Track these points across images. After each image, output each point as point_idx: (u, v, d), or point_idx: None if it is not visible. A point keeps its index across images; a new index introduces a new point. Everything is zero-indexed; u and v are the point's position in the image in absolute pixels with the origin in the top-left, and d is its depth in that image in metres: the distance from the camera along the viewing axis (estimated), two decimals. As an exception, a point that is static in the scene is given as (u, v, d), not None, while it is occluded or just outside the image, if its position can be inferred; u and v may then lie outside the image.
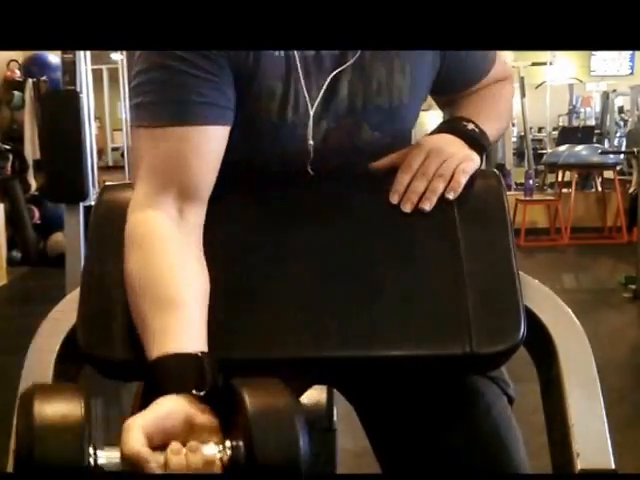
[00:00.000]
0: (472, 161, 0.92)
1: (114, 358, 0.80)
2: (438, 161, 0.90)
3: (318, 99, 0.91)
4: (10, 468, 0.80)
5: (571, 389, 0.82)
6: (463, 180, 0.89)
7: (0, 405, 1.02)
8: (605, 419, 0.80)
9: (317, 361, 0.81)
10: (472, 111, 1.02)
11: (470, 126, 0.96)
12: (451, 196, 0.88)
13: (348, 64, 0.90)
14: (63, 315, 0.87)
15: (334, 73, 0.90)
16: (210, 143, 0.85)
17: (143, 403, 0.91)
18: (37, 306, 1.70)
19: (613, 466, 0.79)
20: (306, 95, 0.90)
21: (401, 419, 0.92)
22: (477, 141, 0.95)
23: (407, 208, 0.88)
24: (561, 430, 0.82)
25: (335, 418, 1.11)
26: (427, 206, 0.87)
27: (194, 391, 0.69)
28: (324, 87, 0.91)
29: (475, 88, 1.06)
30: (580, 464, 0.79)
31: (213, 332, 0.80)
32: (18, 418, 0.62)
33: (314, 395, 1.11)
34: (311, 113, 0.91)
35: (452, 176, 0.89)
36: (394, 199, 0.89)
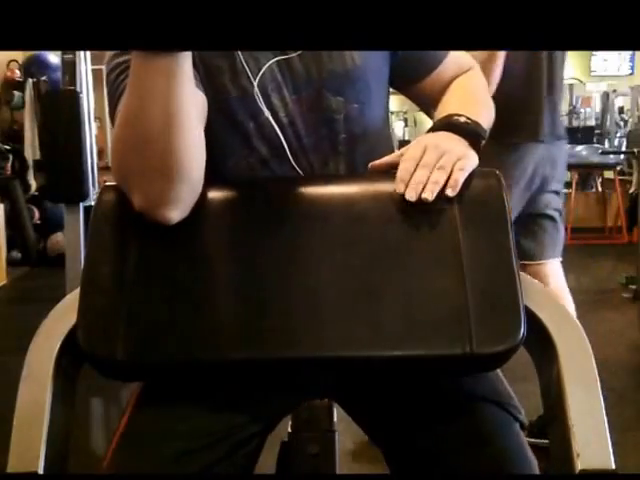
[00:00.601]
0: (469, 159, 0.92)
1: (114, 358, 0.80)
2: (437, 154, 0.91)
3: (263, 69, 0.97)
4: (10, 468, 0.80)
5: (571, 389, 0.81)
6: (461, 178, 0.89)
7: (0, 405, 1.02)
8: (605, 419, 0.80)
9: (318, 361, 0.81)
10: (456, 106, 1.04)
11: (462, 119, 0.98)
12: (450, 192, 0.88)
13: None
14: (63, 315, 0.86)
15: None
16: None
17: (140, 403, 0.92)
18: (37, 306, 1.70)
19: (613, 466, 0.79)
20: (245, 66, 0.97)
21: (400, 420, 0.92)
22: (473, 131, 0.97)
23: (412, 197, 0.88)
24: (561, 430, 0.82)
25: (335, 419, 1.11)
26: (429, 196, 0.88)
27: None
28: (262, 57, 0.98)
29: (434, 76, 1.09)
30: (580, 464, 0.78)
31: (216, 333, 0.80)
32: None
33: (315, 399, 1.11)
34: (255, 82, 0.97)
35: (451, 172, 0.90)
36: (400, 188, 0.89)
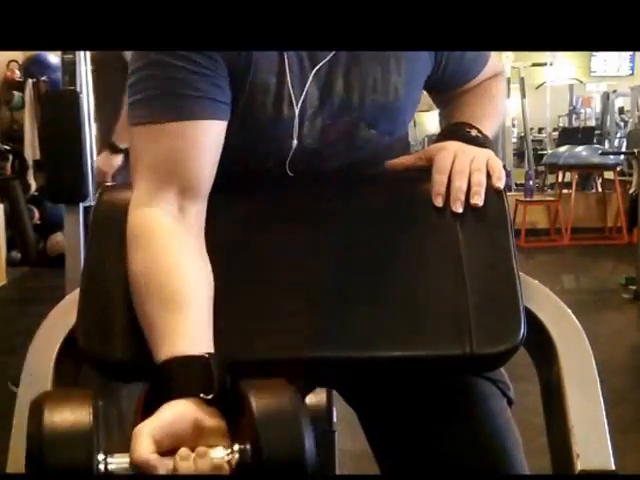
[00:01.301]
0: (495, 157, 0.92)
1: (114, 358, 0.80)
2: (469, 158, 0.90)
3: (305, 94, 0.91)
4: (9, 468, 0.80)
5: (571, 390, 0.82)
6: (503, 176, 0.89)
7: (0, 405, 1.03)
8: (605, 420, 0.81)
9: (317, 361, 0.81)
10: (471, 112, 1.03)
11: (473, 132, 0.98)
12: (479, 202, 0.87)
13: (326, 60, 0.90)
14: (63, 315, 0.87)
15: (317, 68, 0.90)
16: (208, 138, 0.85)
17: (147, 406, 0.91)
18: (37, 306, 1.70)
19: (613, 467, 0.79)
20: (291, 90, 0.89)
21: (400, 420, 0.92)
22: (481, 146, 0.96)
23: (459, 208, 0.87)
24: (561, 431, 0.82)
25: (335, 419, 1.11)
26: (479, 201, 0.87)
27: (202, 394, 0.70)
28: (308, 83, 0.90)
29: (470, 85, 1.07)
30: (580, 465, 0.79)
31: (215, 332, 0.80)
32: (29, 425, 0.62)
33: (314, 397, 1.11)
34: (296, 110, 0.91)
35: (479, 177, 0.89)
36: (439, 202, 0.88)
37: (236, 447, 0.66)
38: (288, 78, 0.89)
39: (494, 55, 1.11)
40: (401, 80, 0.93)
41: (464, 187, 0.88)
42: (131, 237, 0.82)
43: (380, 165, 1.01)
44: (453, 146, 0.93)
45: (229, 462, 0.65)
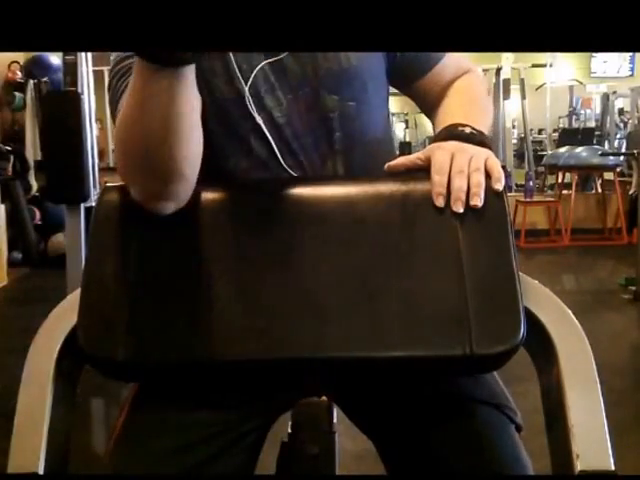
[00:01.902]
0: (493, 156, 0.93)
1: (114, 358, 0.80)
2: (467, 157, 0.91)
3: (255, 71, 0.98)
4: (11, 468, 0.80)
5: (571, 390, 0.81)
6: (502, 176, 0.90)
7: (1, 406, 1.03)
8: (605, 420, 0.80)
9: (317, 362, 0.81)
10: (458, 113, 1.03)
11: (467, 130, 0.97)
12: (479, 203, 0.87)
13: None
14: (64, 315, 0.87)
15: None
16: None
17: (137, 402, 0.92)
18: (38, 307, 1.70)
19: (613, 467, 0.79)
20: (236, 69, 0.98)
21: (402, 442, 0.92)
22: (479, 143, 0.96)
23: (460, 208, 0.87)
24: (561, 431, 0.82)
25: (335, 420, 1.11)
26: (478, 202, 0.86)
27: None
28: (262, 61, 0.98)
29: (436, 74, 1.10)
30: (580, 465, 0.79)
31: (216, 333, 0.80)
32: None
33: (314, 397, 1.11)
34: (245, 86, 0.98)
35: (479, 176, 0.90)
36: (440, 202, 0.87)
37: None
38: (232, 58, 0.97)
39: (451, 57, 1.12)
40: None
41: (464, 187, 0.87)
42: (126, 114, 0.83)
43: (360, 141, 1.03)
44: (450, 145, 0.94)
45: None
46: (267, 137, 0.99)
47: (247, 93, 0.98)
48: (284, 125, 0.99)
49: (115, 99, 0.96)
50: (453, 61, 1.11)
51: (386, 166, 0.96)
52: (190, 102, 0.80)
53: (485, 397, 0.91)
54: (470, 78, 1.13)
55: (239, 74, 0.98)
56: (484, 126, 1.01)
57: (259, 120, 0.98)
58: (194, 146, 0.84)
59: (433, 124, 1.09)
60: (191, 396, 0.90)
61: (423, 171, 0.92)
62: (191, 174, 0.86)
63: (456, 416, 0.90)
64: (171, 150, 0.80)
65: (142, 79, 0.77)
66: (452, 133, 0.98)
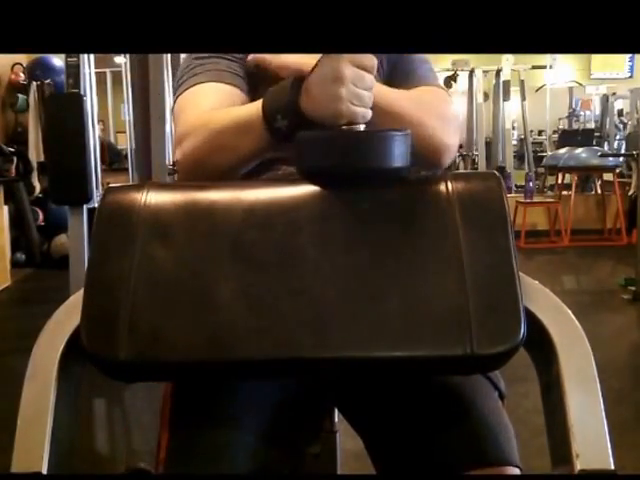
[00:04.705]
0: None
1: (117, 359, 0.80)
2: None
3: None
4: (14, 468, 0.81)
5: (571, 390, 0.82)
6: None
7: (4, 405, 1.03)
8: (605, 420, 0.81)
9: (317, 362, 0.82)
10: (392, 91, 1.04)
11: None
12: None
13: None
14: (67, 316, 0.87)
15: None
16: (236, 95, 1.07)
17: (176, 404, 0.93)
18: (41, 307, 1.70)
19: (612, 467, 0.79)
20: None
21: (391, 418, 0.93)
22: None
23: None
24: (561, 431, 0.82)
25: (336, 419, 1.12)
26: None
27: None
28: None
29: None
30: (580, 465, 0.79)
31: (218, 333, 0.81)
32: None
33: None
34: None
35: None
36: None
37: None
38: None
39: (440, 86, 1.14)
40: None
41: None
42: (195, 125, 1.01)
43: None
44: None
45: None
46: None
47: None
48: None
49: (177, 88, 1.12)
50: (434, 89, 1.11)
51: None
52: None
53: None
54: (437, 95, 1.10)
55: None
56: (391, 99, 1.00)
57: None
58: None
59: None
60: (222, 401, 0.92)
61: (424, 172, 0.92)
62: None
63: (439, 382, 0.93)
64: (234, 172, 0.99)
65: (250, 137, 0.93)
66: None
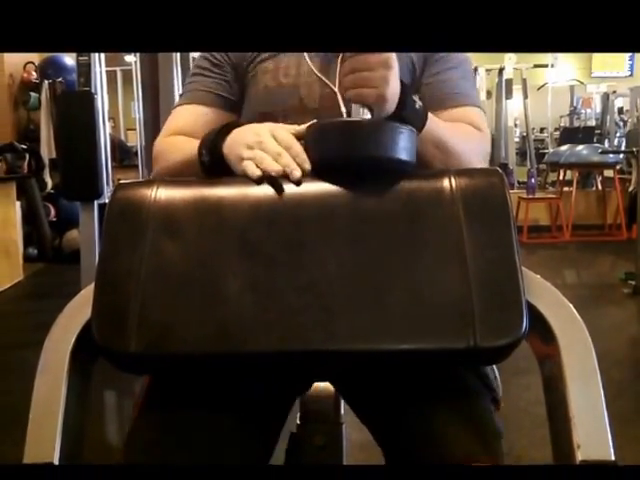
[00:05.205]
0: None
1: (128, 351, 0.81)
2: None
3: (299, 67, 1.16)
4: (26, 459, 0.82)
5: (572, 382, 0.82)
6: None
7: (17, 398, 1.04)
8: (605, 411, 0.81)
9: (323, 355, 0.83)
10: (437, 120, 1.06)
11: (417, 105, 1.01)
12: None
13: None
14: (78, 310, 0.88)
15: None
16: (203, 115, 1.22)
17: (149, 398, 0.94)
18: (52, 301, 1.72)
19: (613, 458, 0.80)
20: (307, 60, 1.17)
21: (397, 409, 0.94)
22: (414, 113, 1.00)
23: None
24: (562, 422, 0.83)
25: (342, 411, 1.12)
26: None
27: None
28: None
29: (447, 115, 1.12)
30: (580, 455, 0.80)
31: (227, 326, 0.82)
32: None
33: (321, 388, 1.12)
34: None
35: None
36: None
37: None
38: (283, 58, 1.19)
39: (480, 114, 1.16)
40: None
41: None
42: (158, 152, 1.19)
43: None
44: None
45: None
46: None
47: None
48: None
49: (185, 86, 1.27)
50: (470, 114, 1.14)
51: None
52: None
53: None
54: (471, 129, 1.14)
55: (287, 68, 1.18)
56: (439, 130, 1.04)
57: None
58: None
59: None
60: (198, 391, 0.92)
61: (427, 169, 0.93)
62: None
63: (441, 381, 0.93)
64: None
65: (195, 168, 1.03)
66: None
